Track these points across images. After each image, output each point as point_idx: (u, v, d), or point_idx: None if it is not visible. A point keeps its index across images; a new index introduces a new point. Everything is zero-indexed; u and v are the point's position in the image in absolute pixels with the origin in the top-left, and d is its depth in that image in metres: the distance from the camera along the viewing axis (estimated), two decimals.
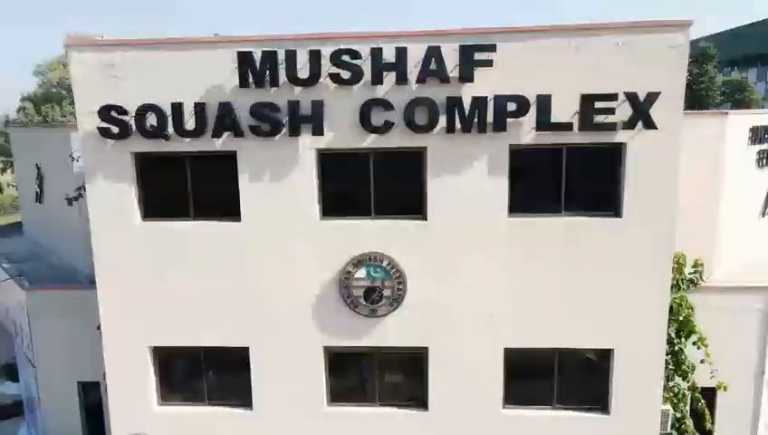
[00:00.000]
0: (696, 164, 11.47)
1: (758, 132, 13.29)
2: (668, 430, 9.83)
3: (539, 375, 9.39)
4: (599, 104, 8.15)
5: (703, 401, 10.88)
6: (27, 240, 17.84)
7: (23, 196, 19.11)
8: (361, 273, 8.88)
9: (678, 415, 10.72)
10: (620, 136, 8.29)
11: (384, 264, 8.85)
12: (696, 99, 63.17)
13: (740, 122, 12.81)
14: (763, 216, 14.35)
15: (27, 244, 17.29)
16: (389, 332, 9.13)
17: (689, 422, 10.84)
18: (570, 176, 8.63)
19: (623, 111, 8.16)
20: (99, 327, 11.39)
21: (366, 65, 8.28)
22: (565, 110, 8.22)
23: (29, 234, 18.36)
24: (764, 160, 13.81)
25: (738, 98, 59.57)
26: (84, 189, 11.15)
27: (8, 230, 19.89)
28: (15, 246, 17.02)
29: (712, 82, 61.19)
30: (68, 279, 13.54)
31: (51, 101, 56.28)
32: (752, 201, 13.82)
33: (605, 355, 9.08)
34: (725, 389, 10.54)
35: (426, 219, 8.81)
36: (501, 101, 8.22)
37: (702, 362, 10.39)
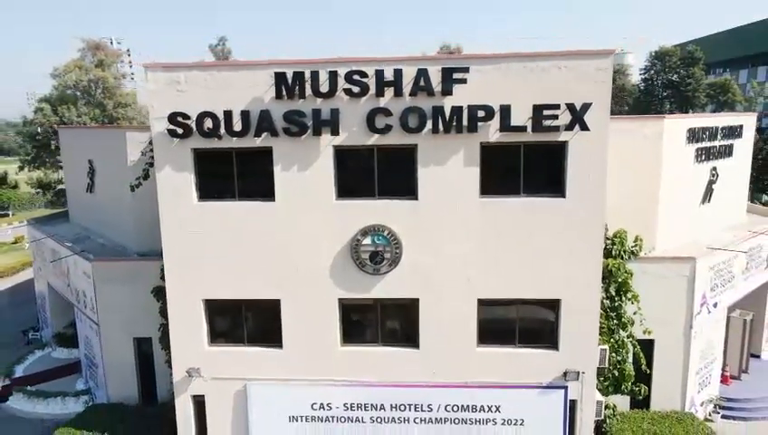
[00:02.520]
0: (638, 159, 14.29)
1: (695, 133, 16.02)
2: (606, 365, 12.49)
3: (504, 320, 12.10)
4: (546, 112, 10.85)
5: (638, 348, 13.61)
6: (75, 226, 20.56)
7: (70, 189, 21.85)
8: (368, 240, 11.59)
9: (619, 358, 13.45)
10: (563, 136, 10.98)
11: (385, 233, 11.55)
12: (684, 99, 65.82)
13: (678, 125, 15.56)
14: (704, 203, 17.07)
15: (76, 229, 20.00)
16: (389, 286, 11.83)
17: (629, 365, 13.57)
18: (526, 166, 11.33)
19: (564, 117, 10.85)
20: (152, 291, 14.20)
21: (371, 82, 10.99)
22: (521, 116, 10.92)
23: (75, 221, 21.10)
24: (703, 156, 16.53)
25: (722, 99, 62.13)
26: (144, 178, 13.97)
27: (56, 219, 22.59)
28: (66, 231, 19.75)
29: (698, 83, 63.94)
30: (119, 255, 16.29)
31: (66, 102, 58.74)
32: (692, 190, 16.53)
33: (554, 305, 11.78)
34: (649, 333, 13.25)
35: (417, 199, 11.51)
36: (473, 109, 10.93)
37: (634, 313, 13.13)
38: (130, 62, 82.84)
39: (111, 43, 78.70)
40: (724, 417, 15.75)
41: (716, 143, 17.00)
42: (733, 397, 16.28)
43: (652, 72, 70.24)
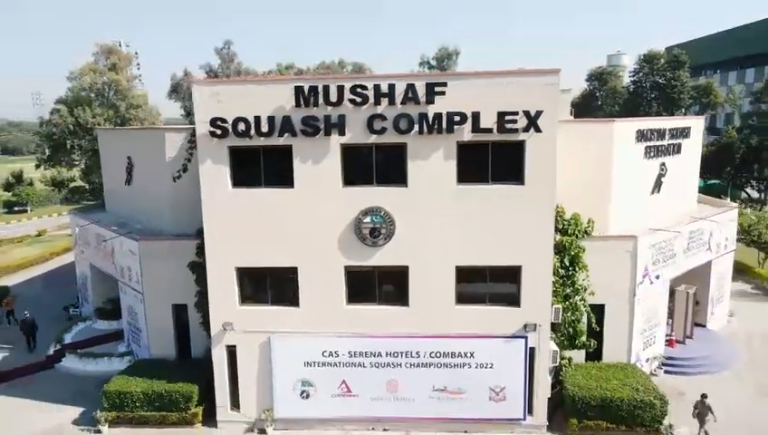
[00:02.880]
0: (592, 156, 17.27)
1: (644, 133, 18.99)
2: (559, 321, 15.47)
3: (476, 283, 15.09)
4: (508, 117, 13.83)
5: (590, 310, 16.59)
6: (111, 215, 23.51)
7: (107, 182, 24.80)
8: (367, 219, 14.57)
9: (574, 318, 16.43)
10: (521, 136, 13.96)
11: (381, 213, 14.54)
12: (670, 101, 68.81)
13: (627, 127, 18.56)
14: (654, 193, 20.02)
15: (113, 217, 22.94)
16: (384, 256, 14.82)
17: (582, 324, 16.56)
18: (493, 160, 14.31)
19: (522, 122, 13.83)
20: (188, 265, 17.18)
21: (370, 94, 13.98)
22: (488, 120, 13.91)
23: (111, 211, 24.07)
24: (652, 153, 19.49)
25: (705, 101, 65.19)
26: (184, 170, 16.97)
27: (93, 210, 25.58)
28: (105, 219, 22.71)
29: (683, 86, 66.97)
30: (155, 236, 19.24)
31: (82, 103, 61.71)
32: (643, 182, 19.49)
33: (516, 270, 14.76)
34: (593, 294, 16.22)
35: (407, 186, 14.49)
36: (450, 115, 13.92)
37: (583, 279, 16.13)
38: (138, 65, 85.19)
39: (120, 45, 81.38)
40: (666, 372, 18.75)
41: (665, 142, 19.97)
42: (676, 356, 19.30)
43: (641, 74, 73.27)
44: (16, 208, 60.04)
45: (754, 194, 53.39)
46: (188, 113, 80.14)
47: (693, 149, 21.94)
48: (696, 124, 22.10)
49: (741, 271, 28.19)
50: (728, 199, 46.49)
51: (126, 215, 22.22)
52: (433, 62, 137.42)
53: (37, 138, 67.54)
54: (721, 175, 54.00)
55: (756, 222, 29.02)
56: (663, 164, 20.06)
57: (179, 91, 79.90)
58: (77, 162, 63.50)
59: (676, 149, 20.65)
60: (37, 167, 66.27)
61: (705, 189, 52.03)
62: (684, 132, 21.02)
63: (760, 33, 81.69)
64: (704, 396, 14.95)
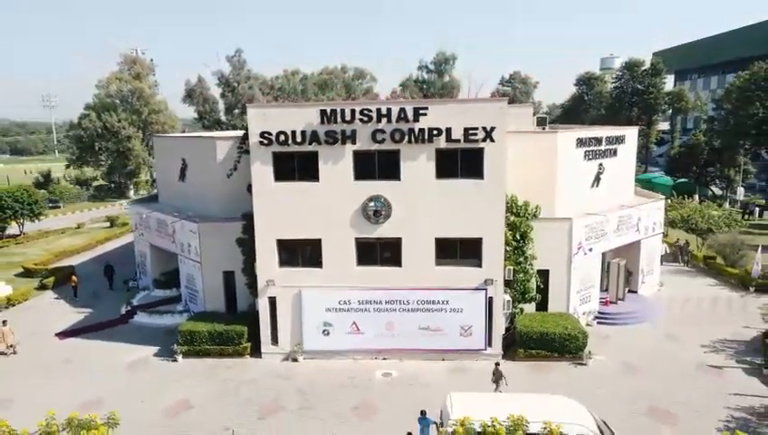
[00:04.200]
0: (539, 159, 23.02)
1: (584, 141, 24.76)
2: (511, 278, 21.22)
3: (450, 250, 20.86)
4: (471, 131, 19.61)
5: (537, 274, 22.37)
6: (165, 205, 29.24)
7: (160, 179, 30.62)
8: (372, 204, 20.36)
9: (525, 279, 22.18)
10: (481, 145, 19.74)
11: (382, 200, 20.32)
12: (648, 106, 74.75)
13: (568, 135, 24.32)
14: (593, 187, 25.75)
15: (168, 207, 28.64)
16: (384, 230, 20.61)
17: (531, 283, 22.34)
18: (461, 161, 20.08)
19: (481, 134, 19.60)
20: (235, 241, 22.97)
21: (374, 115, 19.78)
22: (457, 133, 19.69)
23: (164, 202, 29.83)
24: (590, 156, 25.24)
25: (677, 106, 71.11)
26: (234, 169, 22.77)
27: (148, 202, 31.37)
28: (162, 208, 28.45)
29: (659, 92, 72.89)
30: (210, 219, 25.01)
31: (108, 109, 67.75)
32: (584, 178, 25.24)
33: (479, 241, 20.53)
34: (535, 257, 21.99)
35: (400, 180, 20.28)
36: (431, 129, 19.70)
37: (531, 250, 21.91)
38: (154, 71, 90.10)
39: (136, 52, 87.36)
40: (599, 323, 24.55)
41: (602, 147, 25.75)
42: (608, 312, 25.09)
43: (623, 80, 79.28)
44: (50, 205, 65.79)
45: (718, 191, 59.09)
46: (201, 117, 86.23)
47: (628, 152, 27.71)
48: (631, 133, 27.91)
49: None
50: (696, 196, 52.55)
51: (179, 205, 27.91)
52: (431, 66, 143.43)
53: (67, 140, 73.38)
54: (688, 174, 59.80)
55: (693, 212, 34.83)
56: (601, 164, 25.84)
57: (193, 96, 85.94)
58: (103, 163, 69.41)
59: (613, 153, 26.43)
60: (67, 167, 72.15)
61: (674, 187, 58.36)
62: (620, 139, 26.82)
63: (739, 38, 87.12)
64: (497, 364, 18.77)
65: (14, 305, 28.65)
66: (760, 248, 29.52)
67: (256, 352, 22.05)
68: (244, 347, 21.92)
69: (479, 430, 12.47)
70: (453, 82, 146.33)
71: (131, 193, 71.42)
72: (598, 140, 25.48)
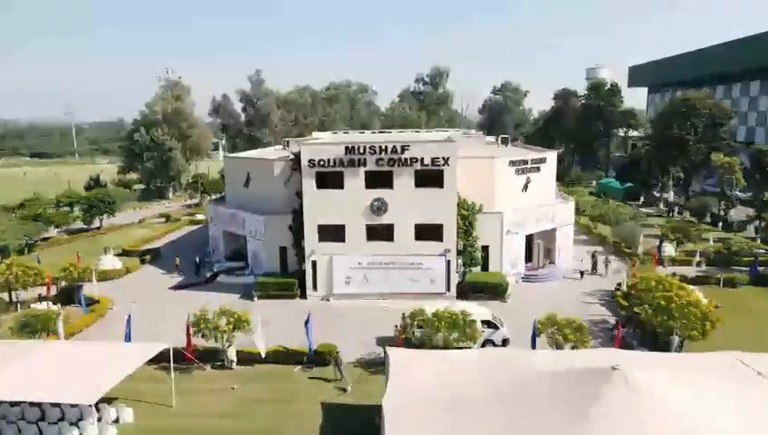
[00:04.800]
0: (484, 174, 36.29)
1: (514, 162, 37.97)
2: (461, 250, 34.31)
3: (423, 231, 34.02)
4: (435, 160, 32.84)
5: (480, 247, 35.56)
6: (231, 205, 42.33)
7: (229, 185, 43.86)
8: (376, 202, 33.59)
9: (471, 251, 35.37)
10: (442, 168, 32.93)
11: (382, 200, 33.51)
12: (606, 122, 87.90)
13: (502, 160, 37.56)
14: (523, 192, 38.84)
15: (235, 204, 41.71)
16: (383, 219, 33.84)
17: (477, 254, 35.55)
18: (430, 178, 33.25)
19: (442, 162, 32.79)
20: (288, 227, 36.29)
21: (377, 149, 33.02)
22: (428, 161, 32.92)
23: (231, 202, 42.98)
24: (520, 172, 38.40)
25: (630, 123, 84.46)
26: (288, 181, 36.18)
27: (218, 202, 44.51)
28: (232, 205, 41.53)
29: (616, 110, 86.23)
30: (270, 213, 38.11)
31: (154, 125, 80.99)
32: (516, 187, 38.37)
33: (441, 225, 33.69)
34: (478, 238, 35.22)
35: (393, 189, 33.48)
36: (412, 158, 32.95)
37: (475, 233, 35.13)
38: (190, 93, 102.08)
39: (167, 72, 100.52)
40: (524, 281, 37.68)
41: (528, 166, 38.93)
42: (530, 274, 38.22)
43: (590, 98, 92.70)
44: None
45: (657, 194, 72.12)
46: (224, 126, 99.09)
47: (549, 168, 40.87)
48: (551, 155, 41.15)
49: (587, 233, 47.70)
50: (642, 199, 65.83)
51: (242, 204, 41.01)
52: (427, 79, 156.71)
53: (121, 151, 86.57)
54: (634, 180, 72.92)
55: (607, 211, 48.05)
56: (528, 177, 38.99)
57: (219, 111, 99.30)
58: (148, 169, 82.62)
59: (537, 169, 39.59)
60: (119, 173, 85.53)
61: (624, 191, 71.63)
62: (542, 160, 40.02)
63: (698, 58, 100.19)
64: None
65: (129, 273, 41.74)
66: (642, 237, 42.64)
67: (302, 296, 35.14)
68: (294, 292, 35.04)
69: (430, 316, 25.52)
70: (447, 94, 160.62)
71: (170, 195, 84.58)
72: (525, 161, 38.65)
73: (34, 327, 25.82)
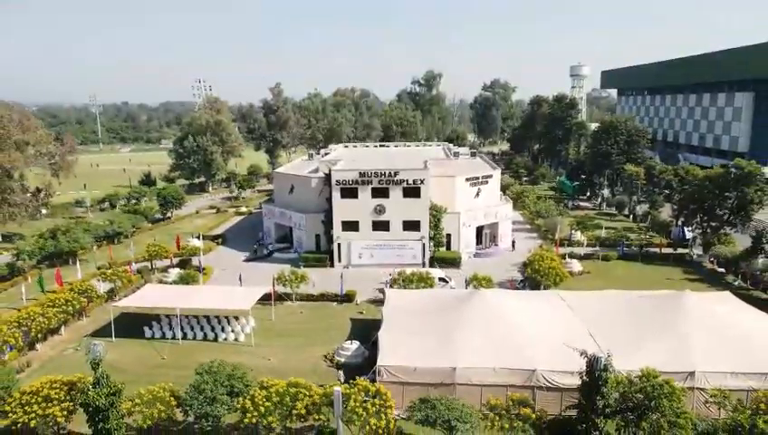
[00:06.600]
0: (448, 187, 56.39)
1: (469, 178, 57.99)
2: (433, 238, 54.26)
3: (409, 225, 54.01)
4: (415, 180, 52.72)
5: (444, 235, 55.63)
6: (279, 205, 62.15)
7: (276, 191, 63.84)
8: (378, 207, 53.55)
9: (438, 238, 55.45)
10: (419, 185, 52.82)
11: (382, 205, 53.44)
12: (566, 133, 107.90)
13: (460, 177, 57.60)
14: (476, 198, 58.65)
15: (281, 205, 61.47)
16: (383, 217, 53.88)
17: (443, 240, 55.68)
18: (411, 191, 53.14)
19: (419, 182, 52.65)
20: (321, 221, 56.54)
21: (380, 173, 52.87)
22: (411, 181, 52.82)
23: (278, 203, 62.85)
24: (473, 184, 58.41)
25: (580, 133, 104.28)
26: (321, 192, 56.46)
27: (268, 202, 64.37)
28: (280, 205, 61.33)
29: (572, 121, 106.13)
30: (309, 212, 57.97)
31: (199, 133, 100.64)
32: (471, 194, 58.25)
33: (419, 221, 53.65)
34: (443, 228, 55.29)
35: (389, 198, 53.39)
36: (402, 179, 52.86)
37: (442, 226, 55.24)
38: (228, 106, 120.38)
39: (200, 82, 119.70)
40: (475, 257, 57.76)
41: (480, 180, 58.86)
42: (480, 253, 58.26)
43: (554, 108, 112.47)
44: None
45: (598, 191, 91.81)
46: (250, 130, 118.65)
47: (494, 181, 60.85)
48: (496, 172, 61.10)
49: (529, 223, 67.94)
50: (587, 196, 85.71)
51: (287, 205, 60.80)
52: (422, 81, 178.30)
53: (171, 156, 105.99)
54: (580, 180, 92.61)
55: (540, 207, 67.94)
56: (479, 188, 58.90)
57: (245, 119, 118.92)
58: (193, 168, 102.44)
59: (486, 182, 59.55)
60: (170, 171, 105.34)
61: (572, 189, 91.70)
62: (489, 176, 59.98)
63: (659, 69, 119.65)
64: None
65: (211, 251, 61.62)
66: (559, 227, 62.54)
67: (331, 265, 55.13)
68: (326, 263, 55.08)
69: (409, 275, 45.57)
70: (440, 95, 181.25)
71: (210, 188, 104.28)
72: (476, 177, 58.57)
73: (186, 280, 45.88)
